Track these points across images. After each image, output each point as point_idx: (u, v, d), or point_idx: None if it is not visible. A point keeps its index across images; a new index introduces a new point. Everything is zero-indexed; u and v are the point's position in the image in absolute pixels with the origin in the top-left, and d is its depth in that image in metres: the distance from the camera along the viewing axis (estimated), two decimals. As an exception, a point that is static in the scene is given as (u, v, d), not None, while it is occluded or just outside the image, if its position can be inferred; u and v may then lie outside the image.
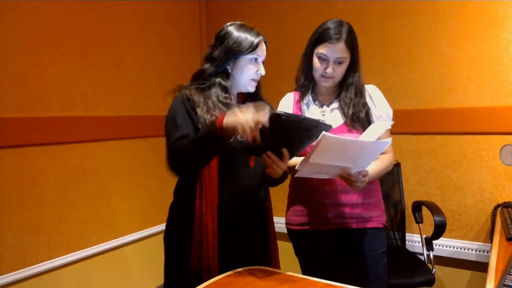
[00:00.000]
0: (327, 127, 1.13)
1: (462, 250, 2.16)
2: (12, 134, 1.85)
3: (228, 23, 1.34)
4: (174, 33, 2.75)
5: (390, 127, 1.31)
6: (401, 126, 2.23)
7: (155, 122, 2.62)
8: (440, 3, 2.15)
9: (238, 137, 1.15)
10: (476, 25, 2.08)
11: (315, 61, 1.39)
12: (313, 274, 1.21)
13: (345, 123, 1.41)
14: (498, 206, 2.03)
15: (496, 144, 2.06)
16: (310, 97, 1.48)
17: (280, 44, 2.64)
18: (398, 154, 2.27)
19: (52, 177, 2.02)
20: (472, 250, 2.14)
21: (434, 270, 1.91)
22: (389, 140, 1.21)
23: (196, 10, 2.96)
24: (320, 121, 1.13)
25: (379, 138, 1.23)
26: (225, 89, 1.29)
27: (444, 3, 2.14)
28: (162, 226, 2.55)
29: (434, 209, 1.93)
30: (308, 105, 1.48)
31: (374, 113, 1.44)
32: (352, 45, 1.37)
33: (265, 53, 1.34)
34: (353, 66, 1.42)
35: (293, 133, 1.12)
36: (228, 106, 1.26)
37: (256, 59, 1.31)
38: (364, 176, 1.25)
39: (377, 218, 1.45)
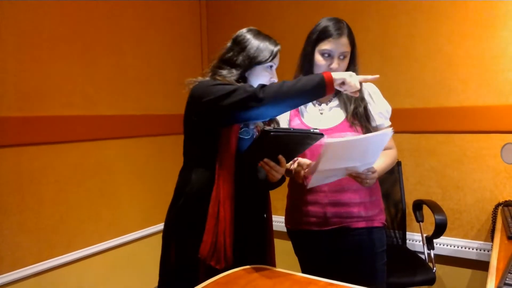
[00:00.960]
0: (318, 136, 1.16)
1: (463, 249, 2.16)
2: (12, 133, 1.85)
3: (245, 29, 1.38)
4: (174, 32, 2.75)
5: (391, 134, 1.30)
6: (402, 125, 2.23)
7: (156, 121, 2.63)
8: (440, 2, 2.14)
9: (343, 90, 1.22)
10: (476, 24, 2.07)
11: (319, 58, 1.40)
12: (313, 273, 1.21)
13: (346, 119, 1.42)
14: (499, 204, 2.02)
15: (496, 142, 2.05)
16: None
17: (280, 43, 2.62)
18: (399, 153, 2.25)
19: (52, 176, 2.02)
20: (472, 249, 2.14)
21: (434, 269, 1.91)
22: (390, 130, 1.21)
23: (197, 10, 2.96)
24: (311, 130, 1.15)
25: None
26: None
27: (444, 1, 2.13)
28: (162, 225, 2.56)
29: (435, 208, 1.92)
30: (305, 105, 1.48)
31: (374, 110, 1.44)
32: (352, 40, 1.41)
33: (278, 60, 1.38)
34: (353, 61, 1.44)
35: (285, 145, 1.16)
36: None
37: (271, 67, 1.36)
38: (373, 173, 1.29)
39: (377, 217, 1.44)
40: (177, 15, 2.78)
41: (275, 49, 1.35)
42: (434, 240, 2.00)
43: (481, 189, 2.11)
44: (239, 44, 1.34)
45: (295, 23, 2.61)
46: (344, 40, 1.38)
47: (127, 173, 2.42)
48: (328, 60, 1.39)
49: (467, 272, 2.18)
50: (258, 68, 1.34)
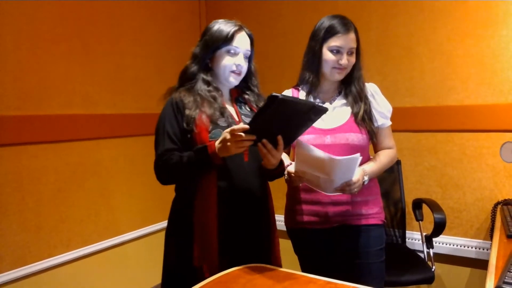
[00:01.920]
0: (323, 109, 1.16)
1: (462, 247, 2.16)
2: (12, 132, 1.85)
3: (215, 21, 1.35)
4: (174, 32, 2.75)
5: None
6: (401, 124, 2.23)
7: (155, 120, 2.62)
8: (440, 1, 2.14)
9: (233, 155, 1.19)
10: (476, 23, 2.07)
11: (328, 55, 1.40)
12: (313, 271, 1.21)
13: (354, 119, 1.42)
14: (498, 203, 2.02)
15: (496, 141, 2.05)
16: (311, 95, 1.48)
17: (280, 42, 2.62)
18: (398, 151, 2.24)
19: (52, 175, 2.02)
20: (472, 248, 2.14)
21: (434, 267, 1.91)
22: (358, 155, 1.21)
23: (196, 9, 2.96)
24: (316, 102, 1.15)
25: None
26: (208, 83, 1.31)
27: (444, 1, 2.13)
28: (162, 224, 2.56)
29: (434, 207, 1.93)
30: None
31: (377, 109, 1.46)
32: (357, 35, 1.43)
33: (247, 46, 1.33)
34: (358, 58, 1.46)
35: (289, 115, 1.13)
36: (215, 99, 1.29)
37: (233, 51, 1.30)
38: (354, 183, 1.28)
39: (376, 215, 1.45)
40: (176, 15, 2.78)
41: (230, 30, 1.28)
42: (434, 239, 2.01)
43: (480, 187, 2.11)
44: (202, 35, 1.33)
45: (295, 22, 2.61)
46: (352, 35, 1.39)
47: (127, 172, 2.42)
48: (338, 56, 1.40)
49: (466, 271, 2.18)
50: (218, 54, 1.30)
